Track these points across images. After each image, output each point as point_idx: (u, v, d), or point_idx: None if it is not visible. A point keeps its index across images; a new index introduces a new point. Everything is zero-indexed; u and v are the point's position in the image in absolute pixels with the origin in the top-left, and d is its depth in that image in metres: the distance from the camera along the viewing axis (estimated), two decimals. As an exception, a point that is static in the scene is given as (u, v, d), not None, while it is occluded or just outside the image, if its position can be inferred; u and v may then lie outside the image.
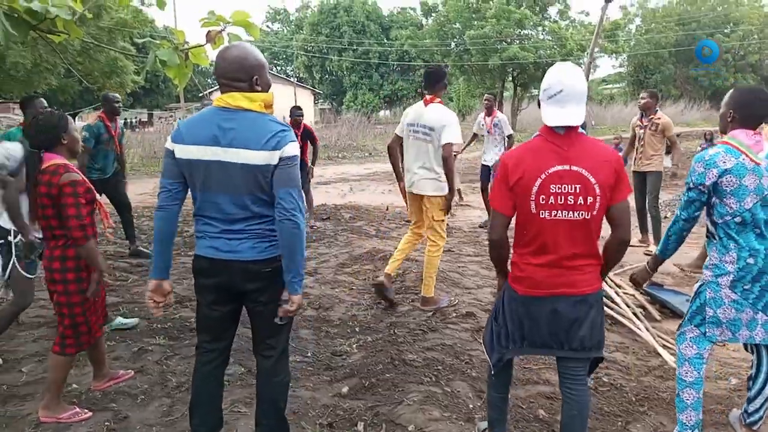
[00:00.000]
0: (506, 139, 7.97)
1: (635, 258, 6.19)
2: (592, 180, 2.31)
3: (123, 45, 16.20)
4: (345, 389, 3.44)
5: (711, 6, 43.17)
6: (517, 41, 31.62)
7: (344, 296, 5.28)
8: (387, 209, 9.93)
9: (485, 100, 8.41)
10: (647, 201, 6.67)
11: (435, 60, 37.43)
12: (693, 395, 2.78)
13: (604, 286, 4.79)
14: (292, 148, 2.34)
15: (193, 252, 2.52)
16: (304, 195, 7.76)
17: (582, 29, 32.57)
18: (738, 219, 2.62)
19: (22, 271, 3.70)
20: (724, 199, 2.62)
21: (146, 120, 45.88)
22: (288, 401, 3.18)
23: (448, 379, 3.57)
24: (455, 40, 33.77)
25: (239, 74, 2.35)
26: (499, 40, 30.43)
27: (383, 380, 3.52)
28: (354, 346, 4.12)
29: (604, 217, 2.41)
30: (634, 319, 4.36)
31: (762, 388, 2.88)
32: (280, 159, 2.31)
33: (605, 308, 4.58)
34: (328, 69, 50.76)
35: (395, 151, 5.06)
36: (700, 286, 2.81)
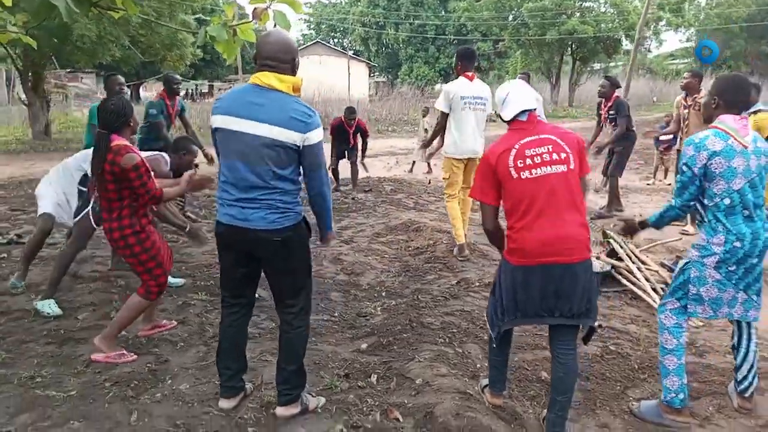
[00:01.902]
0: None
1: (671, 234, 6.18)
2: (561, 142, 2.64)
3: (183, 18, 16.77)
4: (364, 346, 3.73)
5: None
6: (578, 14, 30.75)
7: (376, 263, 5.56)
8: (429, 182, 10.11)
9: (519, 78, 8.39)
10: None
11: (492, 33, 36.88)
12: (674, 361, 2.93)
13: (628, 263, 4.90)
14: (317, 135, 2.64)
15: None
16: (339, 171, 8.28)
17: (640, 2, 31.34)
18: (727, 201, 2.72)
19: (93, 221, 4.18)
20: (714, 181, 2.72)
21: (207, 91, 47.11)
22: (311, 354, 3.53)
23: (461, 341, 3.80)
24: (513, 12, 33.11)
25: (286, 56, 2.64)
26: (558, 12, 29.66)
27: (400, 339, 3.78)
28: (378, 308, 4.39)
29: None
30: (653, 293, 4.46)
31: (745, 357, 3.02)
32: (306, 146, 2.61)
33: (628, 283, 4.72)
34: (385, 42, 50.61)
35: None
36: (686, 263, 2.94)
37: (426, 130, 11.11)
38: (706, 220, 2.83)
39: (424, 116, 11.96)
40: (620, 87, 7.47)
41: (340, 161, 9.38)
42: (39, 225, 4.54)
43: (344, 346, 3.75)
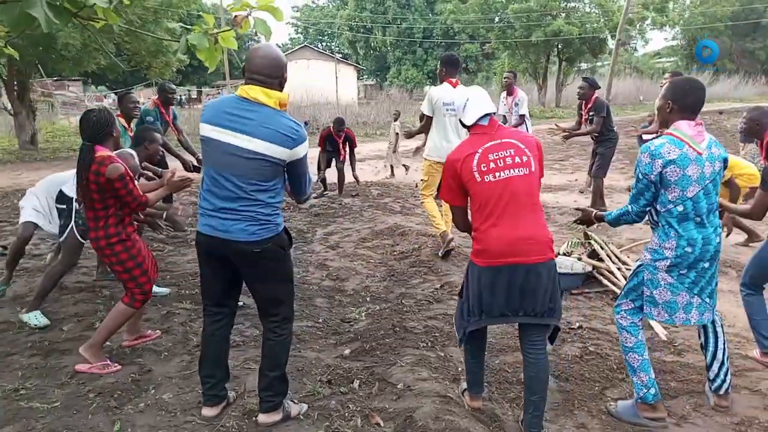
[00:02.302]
0: (519, 118, 7.90)
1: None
2: (522, 145, 2.72)
3: (168, 25, 16.71)
4: (347, 351, 3.77)
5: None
6: (563, 14, 30.94)
7: (361, 269, 5.60)
8: (416, 186, 10.15)
9: (505, 78, 8.33)
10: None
11: (479, 34, 37.03)
12: (637, 358, 2.99)
13: (608, 263, 4.96)
14: (303, 149, 2.70)
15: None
16: (326, 177, 8.37)
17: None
18: (680, 208, 2.76)
19: (78, 236, 4.19)
20: (668, 189, 2.76)
21: (195, 96, 47.06)
22: (294, 360, 3.56)
23: (443, 345, 3.85)
24: (499, 14, 33.27)
25: (274, 71, 2.68)
26: (543, 14, 29.84)
27: (383, 344, 3.82)
28: (362, 314, 4.43)
29: None
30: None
31: (714, 355, 3.09)
32: (291, 161, 2.68)
33: (609, 283, 4.79)
34: (372, 45, 50.73)
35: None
36: (639, 266, 3.01)
37: (397, 134, 11.18)
38: (659, 224, 2.88)
39: (395, 120, 12.01)
40: (599, 88, 7.52)
41: (328, 168, 9.49)
42: (20, 231, 4.59)
43: (327, 352, 3.79)
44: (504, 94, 8.15)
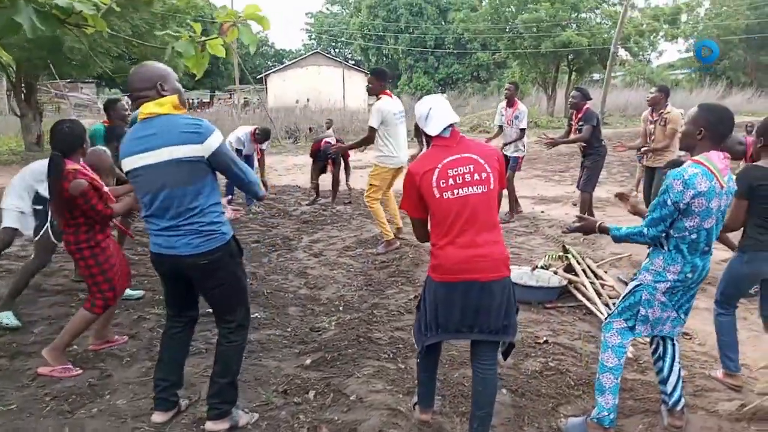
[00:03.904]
0: (519, 132, 7.87)
1: (636, 248, 6.22)
2: (482, 161, 2.68)
3: (176, 29, 16.88)
4: (308, 361, 3.78)
5: (788, -12, 40.74)
6: (574, 24, 30.85)
7: (340, 277, 5.61)
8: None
9: (506, 89, 8.23)
10: (653, 195, 6.65)
11: (490, 43, 37.01)
12: (612, 380, 2.97)
13: (583, 278, 4.94)
14: (216, 140, 2.70)
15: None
16: (319, 184, 8.45)
17: (640, 13, 31.48)
18: (694, 236, 2.75)
19: (52, 237, 4.27)
20: (689, 218, 2.71)
21: (207, 101, 47.45)
22: (254, 370, 3.59)
23: (405, 356, 3.84)
24: (509, 23, 33.21)
25: (144, 84, 2.73)
26: (553, 24, 29.77)
27: (344, 355, 3.83)
28: (333, 323, 4.44)
29: None
30: (603, 308, 4.50)
31: (671, 367, 3.08)
32: (211, 155, 2.68)
33: (583, 298, 4.77)
34: (384, 52, 50.88)
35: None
36: (637, 285, 2.96)
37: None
38: (666, 248, 2.83)
39: (327, 128, 12.04)
40: (591, 99, 7.47)
41: (323, 174, 9.52)
42: (0, 237, 4.63)
43: (289, 361, 3.80)
44: (504, 105, 8.11)
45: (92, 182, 3.47)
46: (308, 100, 30.55)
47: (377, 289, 5.24)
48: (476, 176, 2.66)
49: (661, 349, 3.14)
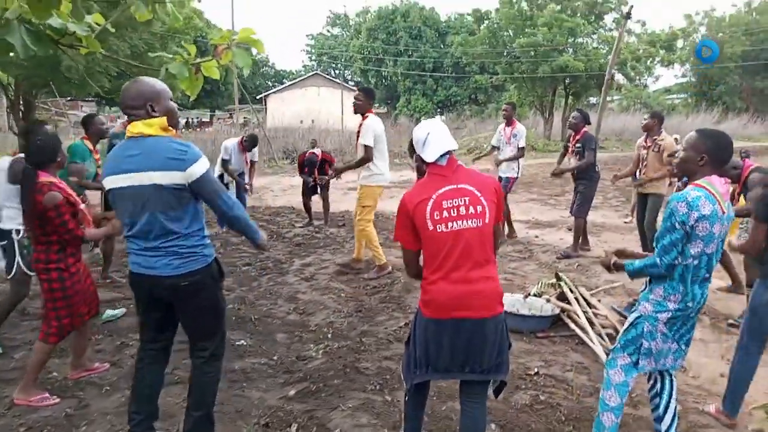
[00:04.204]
0: (517, 150, 7.87)
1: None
2: (478, 193, 2.57)
3: (174, 50, 16.96)
4: (292, 392, 3.68)
5: (783, 15, 41.20)
6: (571, 49, 31.07)
7: (330, 303, 5.52)
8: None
9: (503, 110, 8.25)
10: (646, 221, 6.60)
11: (488, 67, 37.24)
12: (612, 419, 2.90)
13: (575, 307, 4.86)
14: (200, 168, 2.63)
15: None
16: (311, 206, 8.40)
17: (636, 38, 31.74)
18: (696, 262, 2.71)
19: (25, 269, 4.13)
20: (693, 243, 2.67)
21: (207, 120, 47.61)
22: (235, 400, 3.49)
23: (393, 388, 3.75)
24: (506, 47, 33.46)
25: (135, 102, 2.66)
26: (550, 48, 29.99)
27: (330, 386, 3.74)
28: (320, 351, 4.35)
29: None
30: (595, 338, 4.42)
31: (668, 406, 3.00)
32: (193, 182, 2.61)
33: (576, 328, 4.68)
34: (383, 74, 51.22)
35: None
36: (638, 317, 2.89)
37: None
38: (669, 277, 2.78)
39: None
40: (590, 123, 7.44)
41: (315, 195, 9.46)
42: None
43: (273, 392, 3.70)
44: (502, 125, 8.11)
45: (68, 197, 3.40)
46: (312, 121, 30.68)
47: (367, 316, 5.16)
48: (471, 209, 2.56)
49: (659, 385, 3.06)
